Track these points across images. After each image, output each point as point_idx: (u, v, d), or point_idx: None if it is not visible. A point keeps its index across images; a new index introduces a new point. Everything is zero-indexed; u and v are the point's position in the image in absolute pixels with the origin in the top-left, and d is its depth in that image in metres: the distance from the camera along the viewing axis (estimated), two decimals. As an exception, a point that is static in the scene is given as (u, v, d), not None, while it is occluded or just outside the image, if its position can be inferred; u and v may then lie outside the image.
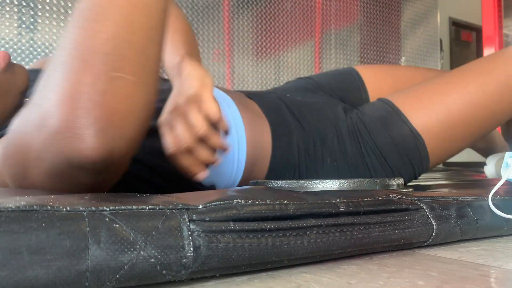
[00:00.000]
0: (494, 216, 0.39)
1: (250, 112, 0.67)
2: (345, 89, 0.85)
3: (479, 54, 4.11)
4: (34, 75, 0.58)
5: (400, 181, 0.53)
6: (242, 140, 0.63)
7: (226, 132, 0.47)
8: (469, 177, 1.21)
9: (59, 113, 0.31)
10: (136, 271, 0.23)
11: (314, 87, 0.84)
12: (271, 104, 0.73)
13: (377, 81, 0.87)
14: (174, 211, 0.25)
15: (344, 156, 0.72)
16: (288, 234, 0.28)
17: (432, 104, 0.71)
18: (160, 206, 0.25)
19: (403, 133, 0.71)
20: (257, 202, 0.28)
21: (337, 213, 0.31)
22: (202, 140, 0.45)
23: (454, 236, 0.37)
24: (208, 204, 0.26)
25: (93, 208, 0.24)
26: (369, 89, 0.86)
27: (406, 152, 0.71)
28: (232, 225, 0.26)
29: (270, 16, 2.01)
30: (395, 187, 0.52)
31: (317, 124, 0.73)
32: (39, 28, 1.45)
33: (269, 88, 1.46)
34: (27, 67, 0.64)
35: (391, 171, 0.73)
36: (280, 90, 0.82)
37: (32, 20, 1.44)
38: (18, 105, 0.56)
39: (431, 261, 0.32)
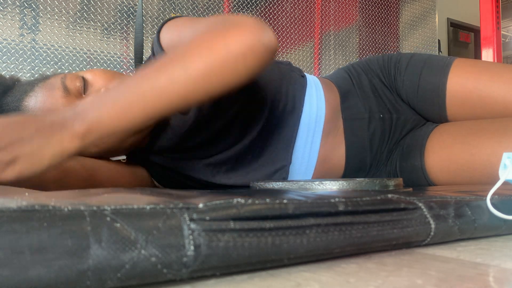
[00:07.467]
0: (492, 216, 0.39)
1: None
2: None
3: (477, 55, 4.11)
4: None
5: (399, 181, 0.54)
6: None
7: None
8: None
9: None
10: (137, 269, 0.23)
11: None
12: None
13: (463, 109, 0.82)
14: (174, 210, 0.26)
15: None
16: (287, 233, 0.28)
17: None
18: (161, 206, 0.26)
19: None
20: (256, 202, 0.28)
21: (336, 212, 0.31)
22: None
23: (452, 235, 0.37)
24: (208, 204, 0.27)
25: (94, 207, 0.24)
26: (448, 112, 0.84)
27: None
28: (232, 224, 0.26)
29: (270, 17, 2.01)
30: (394, 187, 0.52)
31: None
32: (41, 29, 1.46)
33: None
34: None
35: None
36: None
37: (34, 21, 1.44)
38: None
39: (429, 260, 0.32)
